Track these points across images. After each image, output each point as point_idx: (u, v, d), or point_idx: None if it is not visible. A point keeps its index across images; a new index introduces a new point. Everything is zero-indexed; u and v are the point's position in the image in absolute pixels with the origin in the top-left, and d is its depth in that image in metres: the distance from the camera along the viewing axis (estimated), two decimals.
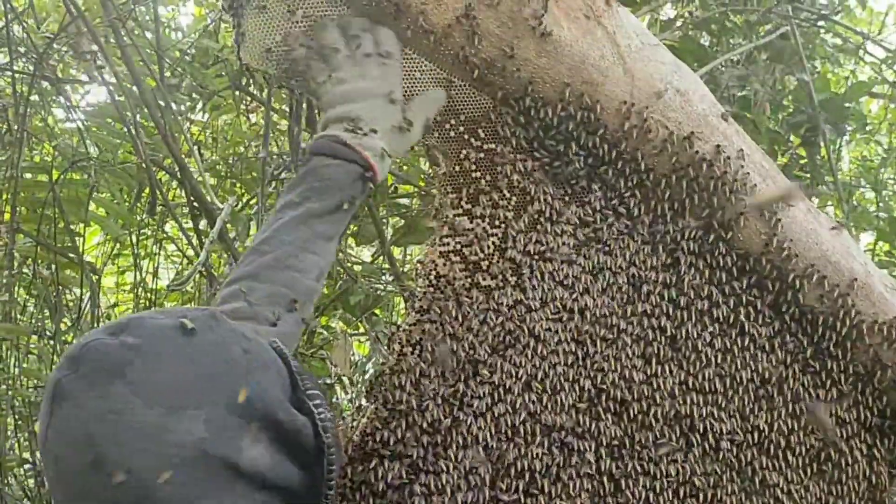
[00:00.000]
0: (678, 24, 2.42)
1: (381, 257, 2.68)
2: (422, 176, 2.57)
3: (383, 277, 2.72)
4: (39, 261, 2.60)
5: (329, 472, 0.93)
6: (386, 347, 1.32)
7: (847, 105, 2.31)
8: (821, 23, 2.36)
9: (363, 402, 1.23)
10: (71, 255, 2.51)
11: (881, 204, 2.74)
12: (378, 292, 2.54)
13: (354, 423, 1.23)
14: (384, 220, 2.64)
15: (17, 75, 2.44)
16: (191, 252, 2.89)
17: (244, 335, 0.90)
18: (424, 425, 1.18)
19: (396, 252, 2.82)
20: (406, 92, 1.23)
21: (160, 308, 0.96)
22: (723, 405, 1.29)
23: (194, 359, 0.84)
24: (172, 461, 0.79)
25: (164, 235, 3.10)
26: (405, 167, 2.64)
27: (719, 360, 1.29)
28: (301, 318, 1.13)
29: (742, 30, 2.38)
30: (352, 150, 1.15)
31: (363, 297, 2.43)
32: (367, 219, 2.41)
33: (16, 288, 2.64)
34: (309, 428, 0.91)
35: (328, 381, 2.65)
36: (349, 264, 2.72)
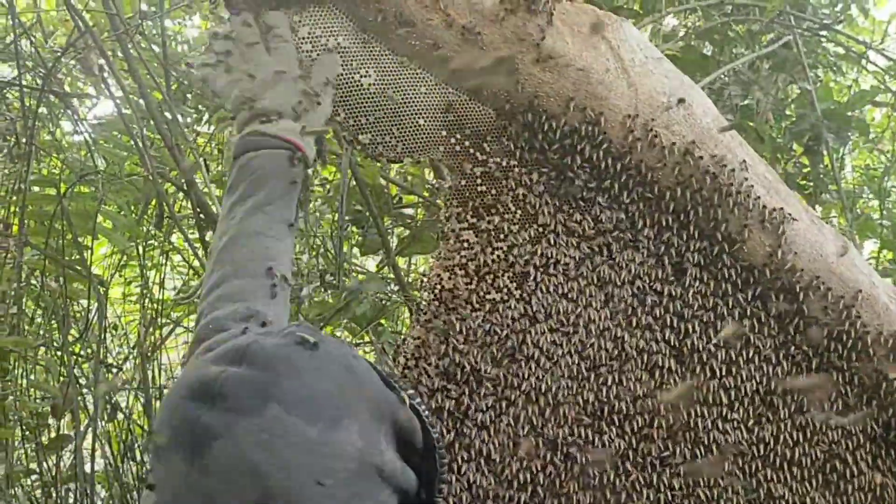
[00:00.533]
0: (681, 34, 2.43)
1: (386, 267, 2.69)
2: (426, 186, 2.58)
3: (388, 287, 2.72)
4: (47, 273, 2.61)
5: (441, 469, 0.91)
6: (391, 359, 1.32)
7: (850, 114, 2.31)
8: (823, 32, 2.36)
9: None
10: (78, 267, 2.52)
11: (885, 212, 2.73)
12: (383, 302, 2.54)
13: None
14: (389, 231, 2.65)
15: (25, 89, 2.46)
16: (197, 263, 2.90)
17: (342, 341, 0.89)
18: None
19: (401, 262, 2.83)
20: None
21: (261, 330, 0.94)
22: (727, 417, 1.29)
23: (324, 371, 0.82)
24: (339, 475, 0.77)
25: (171, 246, 3.10)
26: (409, 177, 2.65)
27: (724, 372, 1.29)
28: (285, 298, 1.11)
29: (745, 39, 2.38)
30: (272, 137, 1.15)
31: (368, 308, 2.43)
32: (372, 229, 2.42)
33: (24, 300, 2.65)
34: (419, 426, 0.89)
35: None
36: (354, 274, 2.72)
